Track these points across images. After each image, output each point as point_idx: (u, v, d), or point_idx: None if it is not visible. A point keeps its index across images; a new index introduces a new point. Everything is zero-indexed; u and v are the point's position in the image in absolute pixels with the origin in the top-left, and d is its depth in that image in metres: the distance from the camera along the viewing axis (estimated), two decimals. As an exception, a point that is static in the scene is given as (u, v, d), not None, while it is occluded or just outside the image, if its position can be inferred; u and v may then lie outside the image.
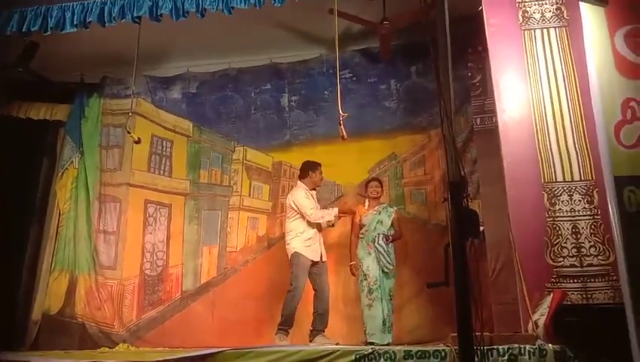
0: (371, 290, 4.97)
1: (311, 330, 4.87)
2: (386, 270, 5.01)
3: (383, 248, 5.04)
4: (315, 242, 5.07)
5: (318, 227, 5.13)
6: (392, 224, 5.22)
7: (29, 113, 6.52)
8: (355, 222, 5.33)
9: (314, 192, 5.27)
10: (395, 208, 5.43)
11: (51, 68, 6.40)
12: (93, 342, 5.73)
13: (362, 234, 5.21)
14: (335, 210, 5.20)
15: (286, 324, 4.80)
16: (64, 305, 6.03)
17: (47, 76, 6.58)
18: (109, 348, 5.53)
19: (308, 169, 5.30)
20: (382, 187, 5.40)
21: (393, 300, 5.07)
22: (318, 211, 5.13)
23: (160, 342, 5.63)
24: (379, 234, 5.09)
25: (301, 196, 5.12)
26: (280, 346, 4.28)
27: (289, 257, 5.03)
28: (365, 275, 5.04)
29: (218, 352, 3.73)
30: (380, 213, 5.22)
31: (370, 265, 5.03)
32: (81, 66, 6.58)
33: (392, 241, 5.15)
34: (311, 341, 4.77)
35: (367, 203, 5.33)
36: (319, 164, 5.34)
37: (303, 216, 5.07)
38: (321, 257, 5.08)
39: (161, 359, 3.85)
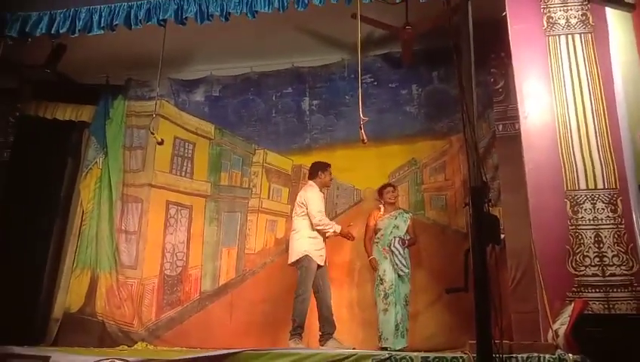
0: (387, 295, 5.00)
1: (321, 334, 4.89)
2: (401, 273, 5.03)
3: (399, 251, 5.08)
4: (322, 245, 5.10)
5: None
6: (407, 229, 5.28)
7: (55, 114, 6.66)
8: (369, 225, 5.36)
9: (321, 194, 5.30)
10: (411, 214, 5.48)
11: (77, 70, 6.55)
12: (112, 341, 5.81)
13: (378, 238, 5.23)
14: (338, 228, 5.19)
15: (299, 329, 4.81)
16: (85, 304, 6.12)
17: (74, 78, 6.73)
18: (128, 346, 5.60)
19: (318, 169, 5.35)
20: (398, 193, 5.48)
21: (409, 306, 5.08)
22: (325, 218, 5.16)
23: (178, 342, 5.69)
24: (395, 237, 5.15)
25: (316, 196, 5.15)
26: (297, 348, 4.28)
27: (296, 256, 5.03)
28: (382, 279, 5.05)
29: (236, 353, 3.74)
30: (396, 218, 5.29)
31: (386, 269, 5.07)
32: (107, 68, 6.70)
33: (407, 246, 5.18)
34: (322, 345, 4.79)
35: (382, 208, 5.39)
36: (329, 165, 5.40)
37: (302, 215, 5.10)
38: (325, 262, 5.10)
39: (180, 358, 3.89)
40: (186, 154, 6.63)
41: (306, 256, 4.98)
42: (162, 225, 6.39)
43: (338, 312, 5.34)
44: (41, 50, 5.65)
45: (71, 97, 6.78)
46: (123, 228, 6.39)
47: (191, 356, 4.01)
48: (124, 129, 6.72)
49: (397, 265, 5.05)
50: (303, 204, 5.15)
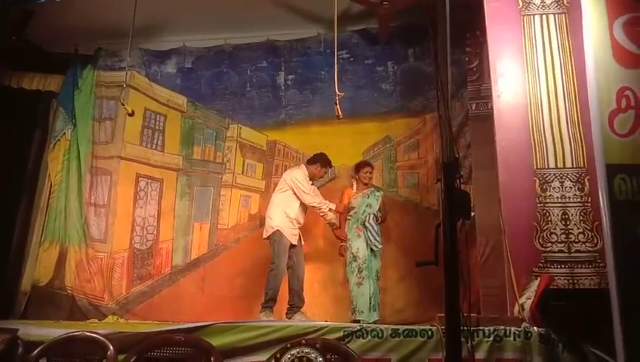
0: (361, 269, 5.07)
1: (289, 307, 4.96)
2: (374, 249, 5.12)
3: (373, 227, 5.17)
4: (296, 226, 5.14)
5: (303, 214, 5.19)
6: (379, 207, 5.34)
7: (21, 83, 6.44)
8: (343, 203, 5.38)
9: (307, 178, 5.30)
10: (382, 192, 5.52)
11: (45, 38, 6.32)
12: (82, 314, 5.76)
13: (350, 216, 5.28)
14: (332, 205, 5.23)
15: (271, 302, 4.88)
16: (54, 277, 6.02)
17: (41, 46, 6.49)
18: (99, 320, 5.56)
19: (318, 160, 5.35)
20: (373, 171, 5.52)
21: (380, 280, 5.16)
22: (316, 197, 5.17)
23: (149, 316, 5.67)
24: (369, 214, 5.20)
25: (301, 176, 5.16)
26: (268, 321, 4.31)
27: (269, 231, 5.08)
28: (355, 256, 5.10)
29: (207, 326, 3.75)
30: (369, 197, 5.34)
31: (359, 247, 5.13)
32: (76, 37, 6.50)
33: (379, 223, 5.27)
34: (289, 317, 4.86)
35: (355, 185, 5.42)
36: (330, 165, 5.48)
37: (295, 196, 5.08)
38: (299, 241, 5.16)
39: (150, 331, 3.87)
40: (157, 127, 6.51)
41: (278, 230, 5.02)
42: (132, 198, 6.29)
43: (310, 288, 5.40)
44: (6, 17, 5.44)
45: (38, 66, 6.55)
46: (92, 201, 6.27)
47: (161, 329, 4.00)
48: (93, 100, 6.55)
49: (371, 240, 5.13)
50: (286, 183, 5.16)
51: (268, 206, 5.33)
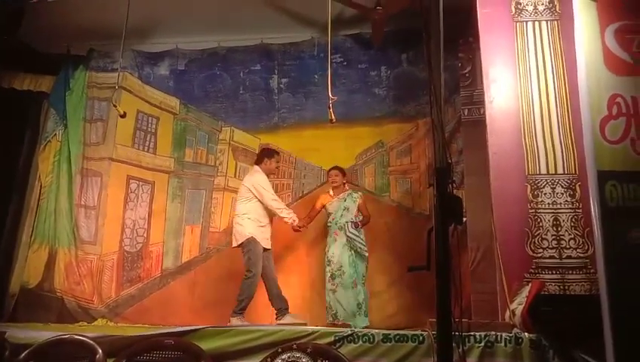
0: (334, 276, 5.08)
1: (277, 312, 4.96)
2: (364, 254, 5.12)
3: (355, 234, 5.14)
4: (267, 230, 5.14)
5: (272, 216, 5.19)
6: (359, 209, 5.30)
7: (12, 83, 6.39)
8: (315, 207, 5.41)
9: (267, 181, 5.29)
10: (361, 193, 5.50)
11: (37, 38, 6.30)
12: (71, 317, 5.71)
13: (330, 222, 5.29)
14: (293, 215, 5.20)
15: (243, 310, 4.88)
16: (43, 279, 5.97)
17: (33, 46, 6.45)
18: (88, 323, 5.51)
19: (264, 155, 5.36)
20: (343, 175, 5.46)
21: (366, 285, 5.15)
22: (282, 204, 5.21)
23: (139, 319, 5.63)
24: (347, 222, 5.18)
25: (262, 181, 5.16)
26: (260, 325, 4.29)
27: (240, 239, 5.05)
28: (329, 261, 5.13)
29: (198, 329, 3.73)
30: (345, 200, 5.32)
31: (334, 252, 5.13)
32: (68, 38, 6.48)
33: (361, 226, 5.24)
34: (279, 320, 4.85)
35: (331, 191, 5.43)
36: (277, 153, 5.44)
37: (259, 201, 5.09)
38: (270, 245, 5.15)
39: (140, 334, 3.84)
40: (149, 129, 6.48)
41: (251, 238, 5.00)
42: (122, 200, 6.25)
43: (302, 292, 5.39)
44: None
45: (30, 66, 6.50)
46: (82, 202, 6.22)
47: (151, 332, 3.97)
48: (84, 101, 6.51)
49: (357, 247, 5.11)
50: (249, 188, 5.15)
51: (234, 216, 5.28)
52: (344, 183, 5.45)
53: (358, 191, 5.57)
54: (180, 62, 6.64)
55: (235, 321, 4.75)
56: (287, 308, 4.95)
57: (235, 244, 5.14)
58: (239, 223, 5.11)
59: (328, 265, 5.12)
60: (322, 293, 5.56)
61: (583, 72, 3.30)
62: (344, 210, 5.26)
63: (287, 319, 4.83)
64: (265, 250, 5.07)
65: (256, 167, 5.34)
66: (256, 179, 5.19)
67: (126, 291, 5.97)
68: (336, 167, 5.54)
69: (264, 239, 5.08)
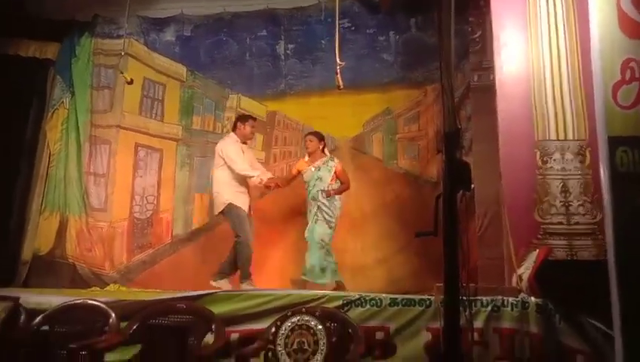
0: (306, 239, 5.15)
1: (240, 276, 5.02)
2: (332, 223, 5.16)
3: (325, 204, 5.14)
4: (246, 196, 5.14)
5: (246, 181, 5.16)
6: (337, 176, 5.26)
7: (17, 50, 6.33)
8: (291, 172, 5.46)
9: (245, 146, 5.28)
10: (337, 160, 5.38)
11: (42, 5, 6.22)
12: (84, 283, 5.81)
13: (308, 191, 5.29)
14: (268, 174, 5.22)
15: (249, 274, 4.96)
16: (54, 246, 6.05)
17: (38, 13, 6.38)
18: (100, 288, 5.61)
19: (238, 120, 5.33)
20: (320, 140, 5.34)
21: (329, 245, 5.17)
22: (246, 164, 5.14)
23: (151, 285, 5.70)
24: (319, 190, 5.17)
25: (229, 148, 5.13)
26: (270, 290, 4.34)
27: (220, 207, 5.09)
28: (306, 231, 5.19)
29: (209, 294, 3.79)
30: (319, 170, 5.26)
31: (309, 225, 5.18)
32: (73, 4, 6.39)
33: (338, 193, 5.22)
34: (243, 283, 4.93)
35: (307, 157, 5.37)
36: (250, 118, 5.38)
37: (222, 166, 5.11)
38: (249, 210, 5.16)
39: (152, 299, 3.91)
40: (156, 96, 6.46)
41: (230, 203, 5.04)
42: (131, 167, 6.28)
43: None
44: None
45: (34, 33, 6.42)
46: (92, 170, 6.25)
47: (163, 297, 4.04)
48: (91, 68, 6.46)
49: (325, 218, 5.13)
50: (219, 156, 5.15)
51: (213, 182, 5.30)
52: (321, 149, 5.35)
53: (333, 158, 5.40)
54: (186, 28, 6.55)
55: (245, 286, 4.82)
56: (248, 276, 4.99)
57: (216, 212, 5.21)
58: (216, 191, 5.16)
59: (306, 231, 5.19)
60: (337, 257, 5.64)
61: (596, 35, 3.22)
62: (317, 179, 5.22)
63: (244, 286, 4.87)
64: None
65: (230, 134, 5.32)
66: (223, 145, 5.19)
67: (137, 257, 6.05)
68: (311, 132, 5.47)
69: (244, 203, 5.09)
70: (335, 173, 5.26)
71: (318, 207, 5.14)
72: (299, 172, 5.35)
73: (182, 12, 6.53)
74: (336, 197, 5.22)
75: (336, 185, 5.26)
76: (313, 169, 5.26)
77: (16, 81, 6.29)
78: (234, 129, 5.32)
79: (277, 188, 5.36)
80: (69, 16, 6.51)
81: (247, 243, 4.99)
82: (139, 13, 6.38)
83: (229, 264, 5.04)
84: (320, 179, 5.22)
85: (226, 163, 5.10)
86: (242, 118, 5.39)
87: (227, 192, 5.07)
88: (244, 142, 5.30)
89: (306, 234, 5.17)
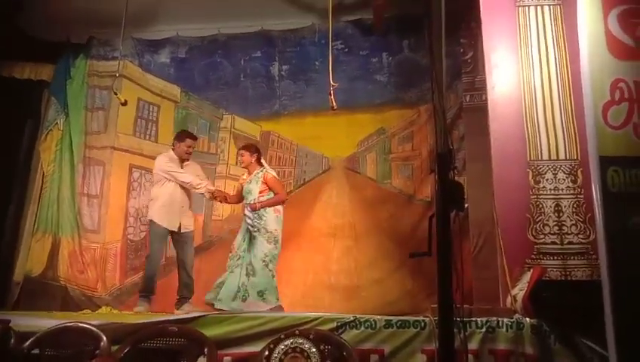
0: (231, 257, 5.00)
1: (178, 299, 5.02)
2: (270, 239, 4.92)
3: (249, 216, 4.97)
4: (172, 210, 5.06)
5: (183, 197, 5.14)
6: (269, 188, 5.02)
7: (12, 72, 6.38)
8: (237, 188, 5.35)
9: (187, 163, 5.26)
10: (266, 171, 5.11)
11: (37, 26, 6.26)
12: (75, 305, 5.74)
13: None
14: (206, 186, 5.16)
15: (145, 291, 4.99)
16: (46, 268, 6.00)
17: (33, 34, 6.42)
18: (92, 311, 5.54)
19: (175, 138, 5.33)
20: (252, 153, 5.13)
21: (271, 265, 4.90)
22: (188, 175, 5.12)
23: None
24: (247, 204, 5.04)
25: (165, 163, 5.14)
26: (263, 312, 4.31)
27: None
28: (231, 248, 5.10)
29: (201, 316, 3.75)
30: (250, 183, 5.08)
31: (238, 236, 5.09)
32: (68, 26, 6.45)
33: (267, 206, 4.96)
34: (178, 308, 4.90)
35: (245, 174, 5.26)
36: (187, 136, 5.28)
37: (168, 183, 5.09)
38: (180, 227, 5.10)
39: (144, 321, 3.86)
40: (150, 117, 6.48)
41: (150, 220, 5.10)
42: (125, 188, 6.28)
43: (304, 278, 5.40)
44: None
45: (29, 55, 6.48)
46: (85, 191, 6.25)
47: (155, 319, 3.99)
48: (85, 89, 6.51)
49: (252, 228, 4.94)
50: (158, 173, 5.17)
51: None
52: (256, 160, 5.13)
53: (264, 168, 5.15)
54: (181, 50, 6.62)
55: (138, 304, 4.89)
56: (188, 298, 4.98)
57: None
58: (149, 207, 5.22)
59: (231, 251, 5.06)
60: (321, 279, 5.60)
61: (585, 57, 3.27)
62: (247, 193, 5.05)
63: (185, 308, 4.85)
64: (176, 233, 5.09)
65: (169, 151, 5.30)
66: (158, 162, 5.20)
67: (130, 279, 6.01)
68: (243, 146, 5.35)
69: (169, 221, 5.06)
70: (265, 182, 5.00)
71: (246, 223, 4.97)
72: (242, 187, 5.18)
73: (177, 34, 6.59)
74: (270, 209, 4.96)
75: (268, 197, 5.00)
76: (248, 182, 5.09)
77: (11, 102, 6.32)
78: (173, 146, 5.29)
79: (226, 203, 5.39)
80: (63, 38, 6.56)
81: (151, 262, 5.04)
82: (134, 35, 6.44)
83: (142, 286, 5.09)
84: (250, 191, 5.01)
85: (163, 179, 5.10)
86: (179, 135, 5.32)
87: (153, 209, 5.11)
88: (185, 159, 5.24)
89: (233, 254, 4.99)
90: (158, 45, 6.63)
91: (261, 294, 4.79)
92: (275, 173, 5.20)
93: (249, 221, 4.95)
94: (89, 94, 6.51)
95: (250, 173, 5.14)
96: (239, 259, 4.93)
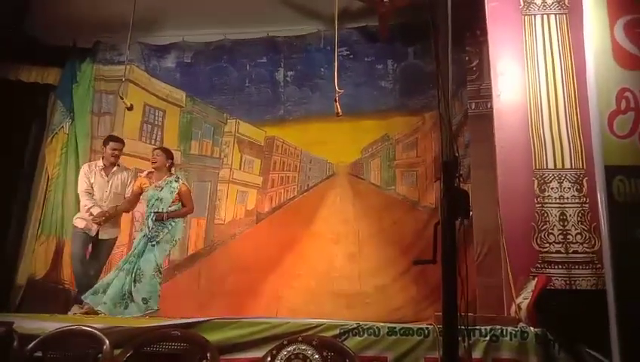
0: (125, 261, 4.85)
1: (74, 298, 5.07)
2: (167, 247, 4.94)
3: (150, 226, 4.85)
4: (97, 217, 5.01)
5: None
6: (181, 198, 4.95)
7: (19, 75, 6.41)
8: (134, 190, 5.13)
9: (114, 169, 5.21)
10: (182, 181, 5.09)
11: (43, 31, 6.30)
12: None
13: (146, 212, 4.99)
14: (91, 211, 5.03)
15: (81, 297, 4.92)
16: (50, 270, 6.00)
17: (39, 39, 6.46)
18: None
19: (102, 143, 5.34)
20: (168, 156, 5.07)
21: (159, 275, 4.91)
22: (85, 197, 5.11)
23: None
24: (152, 212, 4.88)
25: (80, 178, 5.20)
26: (265, 318, 4.29)
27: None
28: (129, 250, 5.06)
29: (204, 321, 3.74)
30: (161, 190, 4.94)
31: (135, 243, 4.94)
32: (74, 30, 6.47)
33: (176, 217, 4.94)
34: (69, 310, 4.93)
35: (153, 176, 5.05)
36: (112, 140, 5.28)
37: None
38: (97, 234, 5.12)
39: (147, 325, 3.86)
40: (156, 122, 6.50)
41: (73, 224, 5.18)
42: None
43: (307, 284, 5.38)
44: (3, 9, 5.42)
45: (36, 59, 6.52)
46: (90, 195, 6.24)
47: (158, 324, 3.99)
48: (91, 93, 6.53)
49: (151, 238, 4.84)
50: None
51: None
52: (168, 167, 5.03)
53: (179, 178, 5.08)
54: (187, 55, 6.64)
55: (74, 310, 4.89)
56: (81, 301, 4.92)
57: None
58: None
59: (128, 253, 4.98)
60: (325, 285, 5.59)
61: (591, 66, 3.27)
62: (157, 200, 4.88)
63: (74, 309, 4.90)
64: (97, 238, 5.12)
65: (98, 160, 5.32)
66: (80, 173, 5.27)
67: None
68: (159, 147, 5.32)
69: (88, 227, 5.07)
70: (178, 194, 4.93)
71: (149, 229, 4.83)
72: (141, 189, 5.04)
73: (183, 39, 6.62)
74: (179, 219, 4.96)
75: (175, 207, 4.94)
76: (155, 187, 4.95)
77: (18, 105, 6.36)
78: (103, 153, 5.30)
79: (110, 219, 5.09)
80: (70, 42, 6.59)
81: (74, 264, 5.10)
82: (140, 39, 6.47)
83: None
84: (160, 199, 4.88)
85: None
86: (105, 140, 5.34)
87: (77, 216, 5.17)
88: (112, 164, 5.20)
89: (129, 257, 4.83)
90: (164, 50, 6.66)
91: (145, 301, 4.75)
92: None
93: (149, 230, 4.85)
94: (95, 98, 6.53)
95: (156, 179, 5.00)
96: (129, 262, 4.81)
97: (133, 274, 4.75)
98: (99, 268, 5.22)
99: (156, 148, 5.29)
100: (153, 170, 5.05)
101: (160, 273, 4.89)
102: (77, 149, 6.34)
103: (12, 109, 6.21)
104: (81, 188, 5.16)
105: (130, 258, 4.84)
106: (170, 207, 4.90)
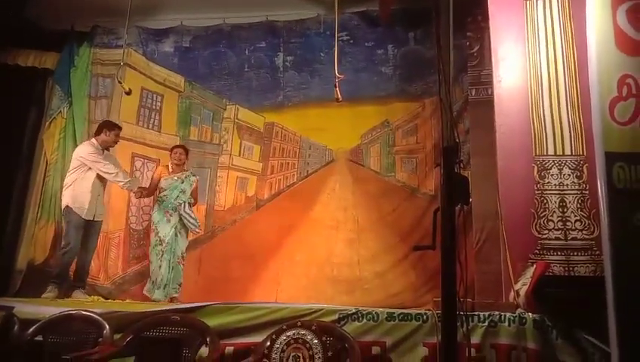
0: (163, 252, 5.22)
1: (72, 285, 5.10)
2: (195, 231, 5.52)
3: (189, 214, 5.38)
4: (85, 199, 5.11)
5: (100, 186, 5.24)
6: (192, 192, 5.51)
7: (16, 60, 6.36)
8: (153, 178, 5.52)
9: (108, 152, 5.37)
10: (197, 177, 5.65)
11: (41, 15, 6.24)
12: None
13: (161, 198, 5.38)
14: (129, 183, 5.33)
15: (58, 278, 5.05)
16: (49, 256, 5.99)
17: (37, 23, 6.40)
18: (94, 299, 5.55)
19: (104, 127, 5.38)
20: (187, 155, 5.59)
21: (184, 261, 5.42)
22: (111, 168, 5.21)
23: (145, 296, 5.67)
24: (183, 202, 5.38)
25: (88, 152, 5.21)
26: (265, 303, 4.31)
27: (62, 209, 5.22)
28: (161, 241, 5.25)
29: (203, 306, 3.76)
30: (183, 182, 5.45)
31: (167, 232, 5.26)
32: (72, 14, 6.41)
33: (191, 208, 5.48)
34: (69, 295, 4.99)
35: (170, 167, 5.53)
36: (116, 127, 5.43)
37: (86, 171, 5.16)
38: (94, 217, 5.18)
39: (146, 310, 3.88)
40: (153, 107, 6.46)
41: (66, 207, 5.11)
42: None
43: (307, 270, 5.38)
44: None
45: (34, 43, 6.45)
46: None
47: (158, 308, 4.01)
48: (89, 77, 6.48)
49: (191, 226, 5.42)
50: (75, 159, 5.23)
51: None
52: (183, 165, 5.58)
53: (195, 175, 5.68)
54: (185, 39, 6.58)
55: (47, 290, 4.96)
56: (80, 286, 5.09)
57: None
58: (63, 194, 5.24)
59: (160, 244, 5.25)
60: (324, 271, 5.61)
61: (593, 52, 3.24)
62: (180, 192, 5.40)
63: (75, 294, 4.99)
64: (90, 222, 5.14)
65: (92, 140, 5.38)
66: (81, 150, 5.27)
67: (132, 268, 6.01)
68: (179, 145, 5.70)
69: (84, 209, 5.09)
70: (194, 188, 5.55)
71: (183, 219, 5.34)
72: (160, 177, 5.45)
73: (181, 23, 6.56)
74: (195, 211, 5.55)
75: (191, 201, 5.52)
76: (176, 178, 5.43)
77: (15, 90, 6.31)
78: (97, 134, 5.36)
79: (142, 197, 5.55)
80: (68, 27, 6.53)
81: (69, 253, 5.05)
82: (138, 23, 6.41)
83: (56, 273, 5.13)
84: (183, 192, 5.41)
85: (83, 166, 5.16)
86: (108, 125, 5.41)
87: (68, 196, 5.13)
88: (107, 148, 5.37)
89: (164, 249, 5.23)
90: (162, 34, 6.60)
91: (176, 288, 5.23)
92: None
93: (190, 219, 5.38)
94: (93, 82, 6.47)
95: (174, 171, 5.49)
96: (165, 252, 5.22)
97: (170, 261, 5.23)
98: (92, 253, 5.33)
99: (177, 147, 5.63)
100: (173, 164, 5.51)
101: (183, 259, 5.35)
102: (74, 134, 6.30)
103: (10, 94, 6.17)
104: (96, 158, 5.17)
105: (165, 248, 5.21)
106: (189, 198, 5.46)
